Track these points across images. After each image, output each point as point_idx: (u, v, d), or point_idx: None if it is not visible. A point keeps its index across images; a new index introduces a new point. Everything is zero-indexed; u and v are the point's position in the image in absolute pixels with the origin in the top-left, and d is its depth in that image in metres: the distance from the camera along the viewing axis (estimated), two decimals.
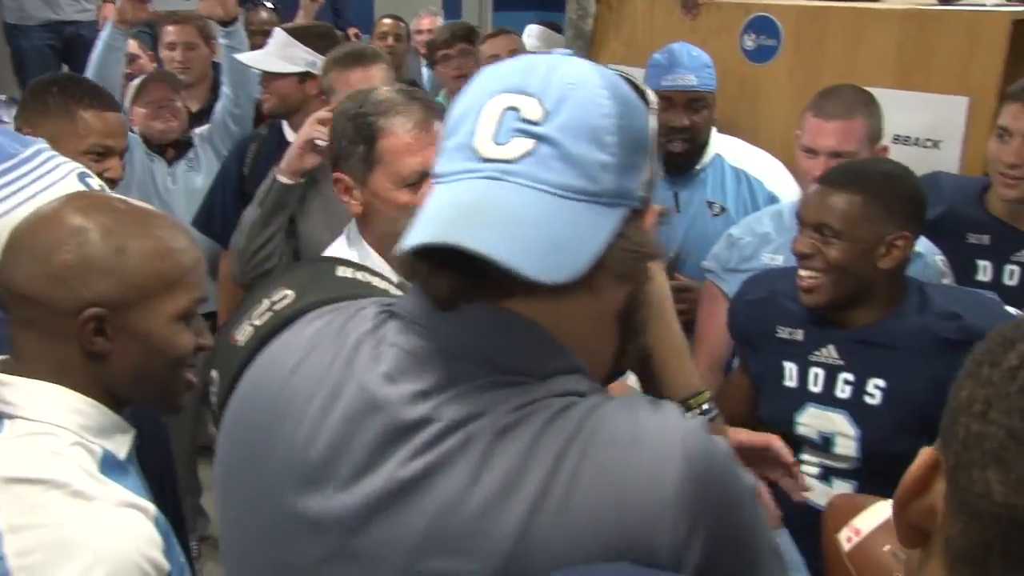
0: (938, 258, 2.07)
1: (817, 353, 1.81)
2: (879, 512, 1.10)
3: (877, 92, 2.52)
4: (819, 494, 1.79)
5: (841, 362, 1.78)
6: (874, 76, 2.55)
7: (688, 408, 0.96)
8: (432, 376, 0.80)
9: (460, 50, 3.59)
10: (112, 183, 2.23)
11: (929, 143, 2.50)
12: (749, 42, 2.81)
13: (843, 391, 1.78)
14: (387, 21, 4.61)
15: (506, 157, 0.78)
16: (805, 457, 1.83)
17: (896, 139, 2.54)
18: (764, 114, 2.75)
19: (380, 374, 0.81)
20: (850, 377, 1.77)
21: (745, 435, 1.39)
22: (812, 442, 1.82)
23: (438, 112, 1.69)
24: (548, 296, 0.78)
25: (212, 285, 2.90)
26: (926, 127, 2.51)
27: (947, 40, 2.47)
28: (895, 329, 1.74)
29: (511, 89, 0.80)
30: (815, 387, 1.81)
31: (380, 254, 1.66)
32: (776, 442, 1.39)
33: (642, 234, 0.82)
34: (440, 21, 4.64)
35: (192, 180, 3.08)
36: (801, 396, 1.82)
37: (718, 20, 2.87)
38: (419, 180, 1.60)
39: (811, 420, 1.81)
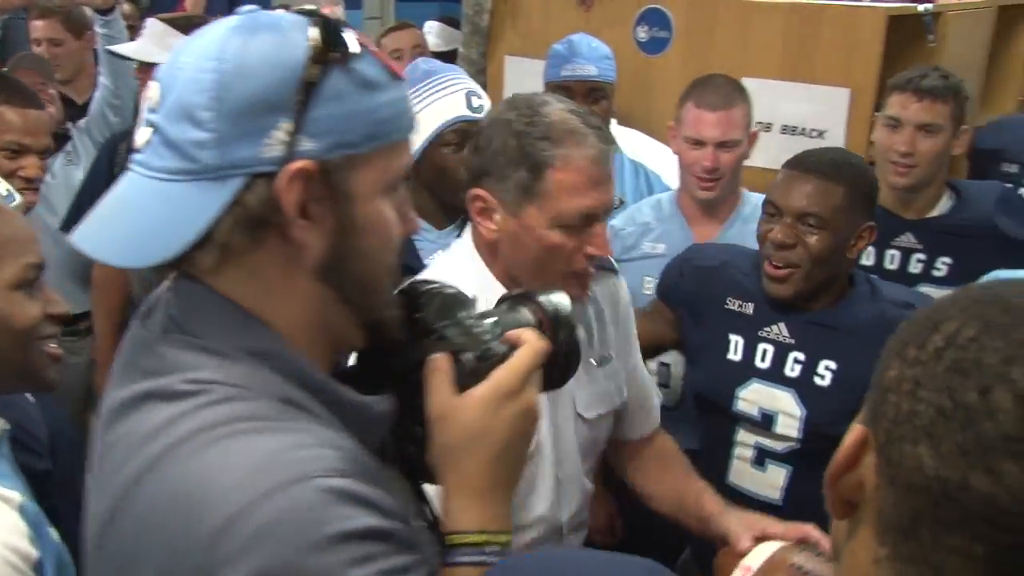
0: None
1: (767, 329, 1.82)
2: (765, 550, 1.18)
3: (765, 83, 2.62)
4: (750, 479, 1.84)
5: (792, 341, 1.79)
6: (762, 68, 2.64)
7: (449, 544, 0.91)
8: (151, 356, 0.85)
9: None
10: (30, 182, 2.14)
11: (815, 133, 2.60)
12: (642, 34, 2.87)
13: (792, 370, 1.79)
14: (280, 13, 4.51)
15: (138, 147, 0.83)
16: (741, 436, 1.84)
17: (784, 129, 2.64)
18: (658, 105, 2.81)
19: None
20: (801, 357, 1.78)
21: (778, 526, 1.39)
22: (751, 419, 1.82)
23: (614, 143, 1.48)
24: (233, 268, 0.83)
25: (84, 290, 2.83)
26: (811, 117, 2.61)
27: (829, 34, 2.57)
28: (849, 314, 1.77)
29: (156, 76, 0.84)
30: (763, 363, 1.81)
31: (505, 285, 1.43)
32: (814, 533, 1.34)
33: (269, 196, 0.80)
34: (341, 12, 4.57)
35: (72, 174, 2.97)
36: (746, 371, 1.82)
37: (612, 12, 2.92)
38: (581, 223, 1.39)
39: (754, 396, 1.81)
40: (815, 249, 1.73)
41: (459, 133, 2.02)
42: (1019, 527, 0.55)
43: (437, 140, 2.04)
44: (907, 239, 2.31)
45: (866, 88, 2.49)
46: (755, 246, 1.86)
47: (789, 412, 1.78)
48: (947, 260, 2.27)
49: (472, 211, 1.43)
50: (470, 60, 3.16)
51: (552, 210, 1.37)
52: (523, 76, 3.02)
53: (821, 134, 2.59)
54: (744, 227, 2.21)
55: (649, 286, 2.15)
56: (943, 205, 2.32)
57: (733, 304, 1.85)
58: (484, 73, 3.16)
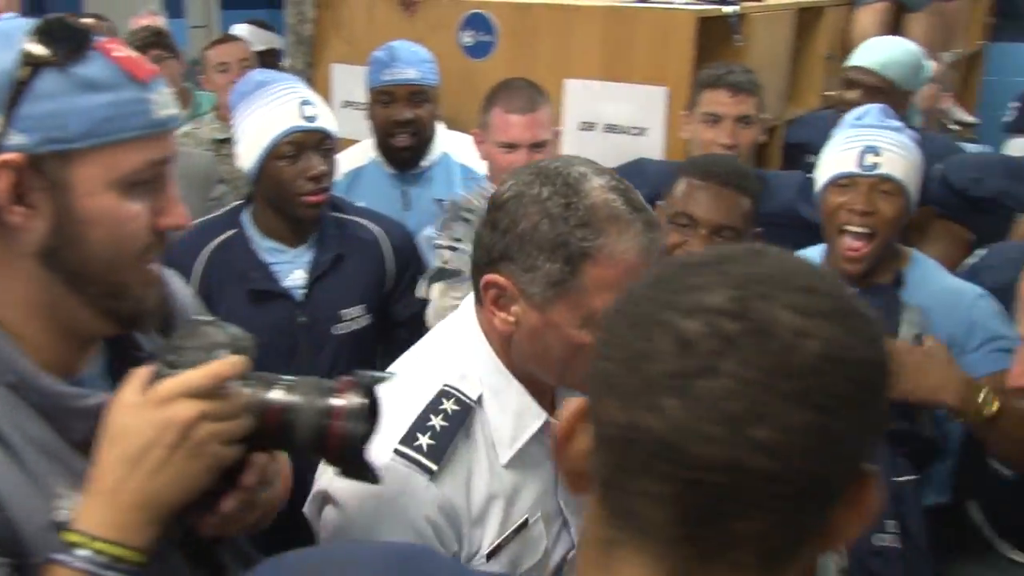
0: None
1: None
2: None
3: (587, 84, 2.71)
4: None
5: None
6: (583, 68, 2.72)
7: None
8: None
9: (154, 56, 3.43)
10: None
11: (636, 131, 2.70)
12: (467, 38, 2.91)
13: None
14: (87, 21, 4.29)
15: None
16: None
17: (608, 128, 2.73)
18: (480, 107, 2.86)
19: None
20: None
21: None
22: None
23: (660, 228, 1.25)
24: None
25: None
26: (632, 116, 2.70)
27: (644, 35, 2.67)
28: None
29: None
30: None
31: (518, 377, 1.25)
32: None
33: None
34: (161, 21, 4.40)
35: None
36: None
37: (436, 17, 2.94)
38: None
39: None
40: None
41: (294, 145, 1.97)
42: (691, 462, 0.59)
43: (272, 153, 1.98)
44: None
45: (682, 86, 2.61)
46: None
47: None
48: None
49: (485, 298, 1.21)
50: (297, 70, 3.12)
51: (586, 308, 1.14)
52: (351, 84, 3.00)
53: (642, 131, 2.69)
54: None
55: None
56: None
57: None
58: (311, 83, 3.12)
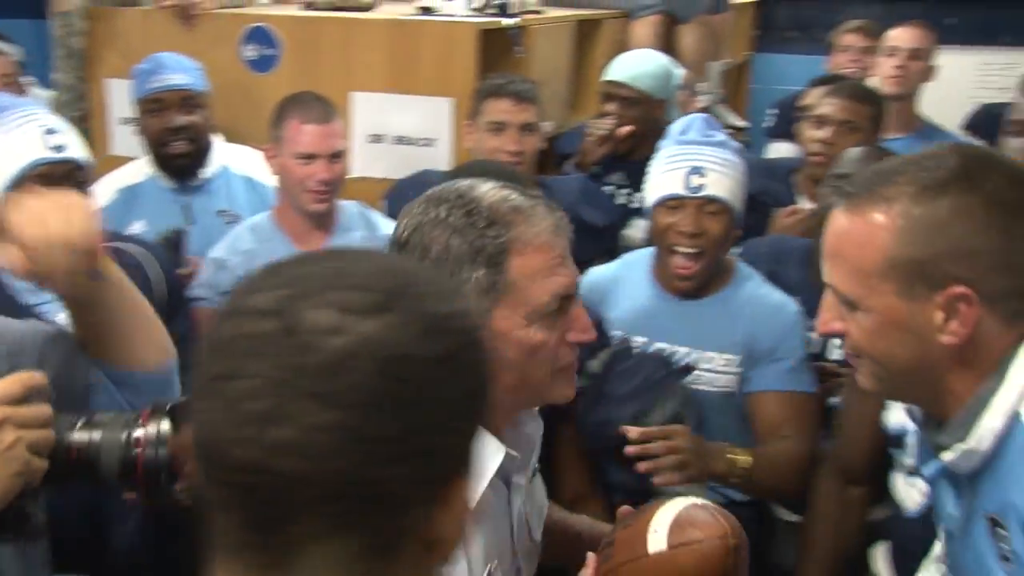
0: None
1: None
2: (669, 510, 1.11)
3: (373, 96, 2.72)
4: None
5: None
6: (369, 81, 2.74)
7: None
8: None
9: None
10: None
11: (424, 142, 2.74)
12: (250, 52, 2.86)
13: None
14: None
15: None
16: None
17: (397, 140, 2.75)
18: (270, 122, 2.82)
19: None
20: None
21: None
22: None
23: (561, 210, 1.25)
24: None
25: None
26: (419, 127, 2.74)
27: (428, 47, 2.72)
28: None
29: None
30: None
31: (498, 427, 1.17)
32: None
33: None
34: None
35: None
36: None
37: (216, 30, 2.87)
38: (557, 309, 1.16)
39: None
40: None
41: (43, 178, 1.75)
42: (230, 465, 0.59)
43: (16, 189, 1.74)
44: None
45: (466, 97, 2.66)
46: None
47: None
48: None
49: None
50: (67, 86, 2.97)
51: (524, 303, 1.14)
52: (128, 100, 2.88)
53: (431, 142, 2.73)
54: (346, 235, 2.29)
55: None
56: None
57: None
58: (84, 99, 2.98)
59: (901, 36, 3.30)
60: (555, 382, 1.19)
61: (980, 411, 1.04)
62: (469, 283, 1.12)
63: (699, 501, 1.14)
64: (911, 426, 1.42)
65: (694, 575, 1.05)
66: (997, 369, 1.04)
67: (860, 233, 1.06)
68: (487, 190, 1.18)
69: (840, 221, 1.09)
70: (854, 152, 2.19)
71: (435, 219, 1.15)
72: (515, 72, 2.70)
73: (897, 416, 1.64)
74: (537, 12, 3.13)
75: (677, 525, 1.08)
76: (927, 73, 3.30)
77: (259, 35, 2.85)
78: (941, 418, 1.09)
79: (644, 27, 3.62)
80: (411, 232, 1.16)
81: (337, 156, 2.26)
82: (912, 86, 3.27)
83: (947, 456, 1.07)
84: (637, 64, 2.89)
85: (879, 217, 1.04)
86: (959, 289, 1.01)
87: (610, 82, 2.85)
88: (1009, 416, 1.02)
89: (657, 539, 1.08)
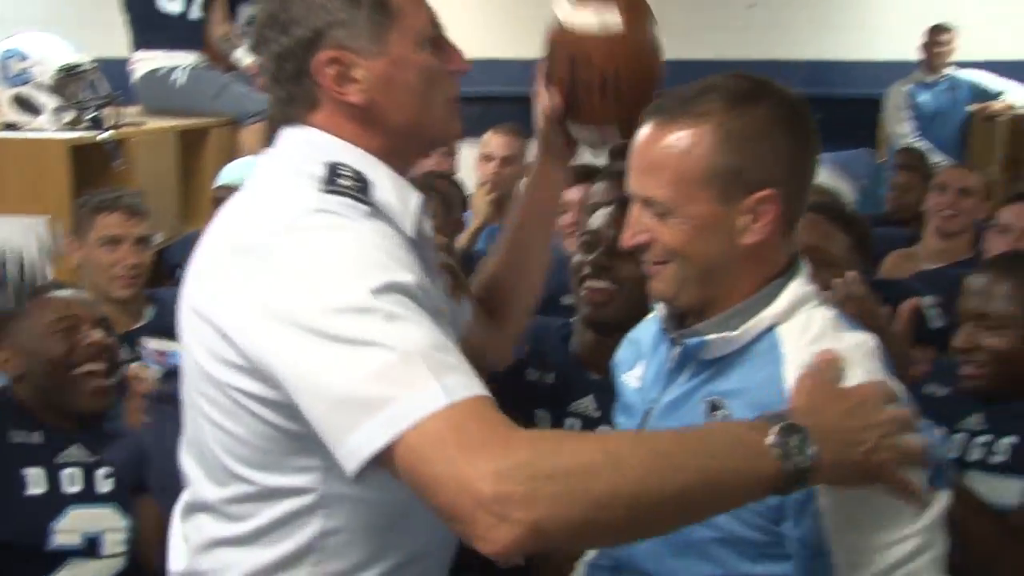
0: None
1: None
2: None
3: None
4: None
5: None
6: None
7: None
8: None
9: None
10: None
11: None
12: None
13: None
14: None
15: None
16: None
17: None
18: None
19: None
20: None
21: None
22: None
23: None
24: None
25: None
26: (15, 247, 2.61)
27: (15, 165, 2.62)
28: None
29: None
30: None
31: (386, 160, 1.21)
32: None
33: None
34: None
35: None
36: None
37: None
38: (435, 36, 1.23)
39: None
40: None
41: None
42: None
43: None
44: None
45: (63, 213, 2.59)
46: None
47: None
48: None
49: (325, 84, 1.17)
50: None
51: (411, 27, 1.20)
52: None
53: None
54: None
55: None
56: (148, 314, 2.49)
57: None
58: None
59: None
60: (448, 113, 1.25)
61: (759, 309, 1.17)
62: (359, 15, 1.17)
63: None
64: None
65: None
66: (786, 272, 1.19)
67: (681, 144, 1.16)
68: None
69: (655, 134, 1.19)
70: None
71: None
72: (117, 185, 2.67)
73: None
74: (137, 124, 3.12)
75: None
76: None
77: None
78: (707, 313, 1.20)
79: (251, 134, 3.71)
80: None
81: None
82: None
83: (710, 337, 1.17)
84: (248, 169, 2.94)
85: (698, 129, 1.16)
86: (767, 191, 1.15)
87: (222, 187, 2.89)
88: (767, 326, 1.17)
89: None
